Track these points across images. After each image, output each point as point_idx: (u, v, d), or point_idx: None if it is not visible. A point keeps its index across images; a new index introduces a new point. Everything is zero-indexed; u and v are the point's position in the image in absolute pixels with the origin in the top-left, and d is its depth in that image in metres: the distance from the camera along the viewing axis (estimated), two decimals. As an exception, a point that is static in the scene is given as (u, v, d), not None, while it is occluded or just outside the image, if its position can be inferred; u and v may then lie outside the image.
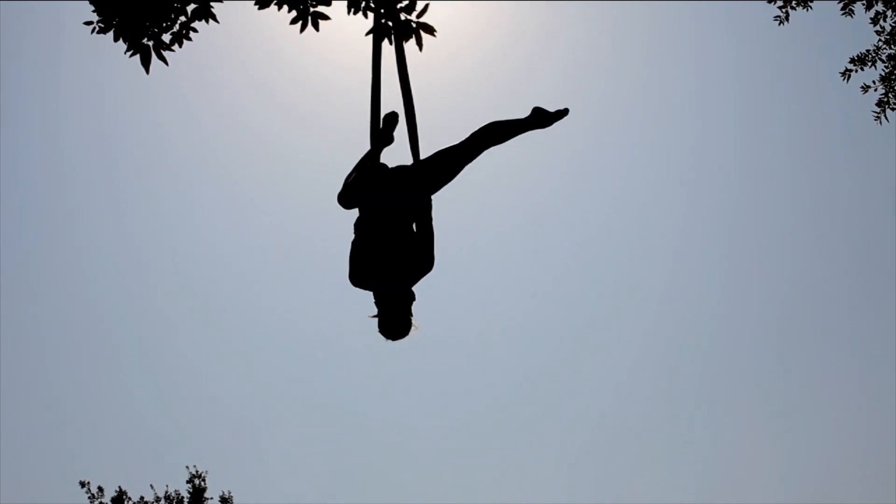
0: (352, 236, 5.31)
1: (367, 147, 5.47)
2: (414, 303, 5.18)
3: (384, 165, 5.45)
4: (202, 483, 18.82)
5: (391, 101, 5.60)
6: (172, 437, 29.18)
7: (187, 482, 18.76)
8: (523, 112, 5.52)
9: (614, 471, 29.48)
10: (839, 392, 31.10)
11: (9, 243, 31.67)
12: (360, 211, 5.36)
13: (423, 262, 5.21)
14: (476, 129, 5.42)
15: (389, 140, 5.53)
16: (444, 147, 5.44)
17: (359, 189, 5.34)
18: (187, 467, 18.99)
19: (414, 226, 5.30)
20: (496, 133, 5.44)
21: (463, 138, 5.42)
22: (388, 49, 5.76)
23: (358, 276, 5.17)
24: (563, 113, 5.52)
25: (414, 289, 5.20)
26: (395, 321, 5.12)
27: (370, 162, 5.45)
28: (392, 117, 5.54)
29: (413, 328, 5.15)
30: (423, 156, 5.42)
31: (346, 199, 5.40)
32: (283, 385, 32.81)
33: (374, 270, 5.14)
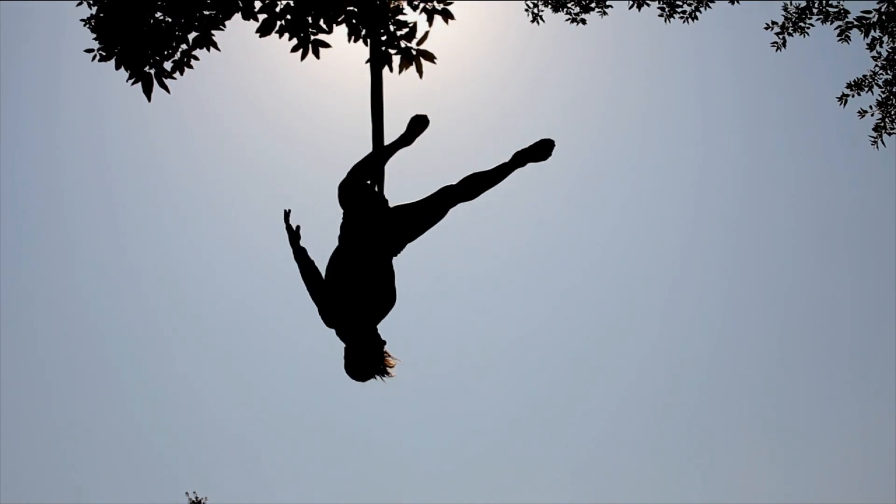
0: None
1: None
2: (385, 345, 5.07)
3: (384, 198, 5.41)
4: (201, 509, 18.77)
5: (394, 126, 5.64)
6: (171, 461, 29.11)
7: (187, 507, 18.72)
8: (517, 145, 5.47)
9: (617, 480, 29.43)
10: (840, 393, 31.14)
11: (6, 250, 31.67)
12: (345, 218, 5.32)
13: (387, 297, 5.14)
14: (456, 181, 5.29)
15: (410, 142, 5.54)
16: (425, 198, 5.30)
17: (360, 194, 5.33)
18: (187, 493, 18.95)
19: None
20: (478, 184, 5.31)
21: (449, 184, 5.29)
22: (388, 76, 5.81)
23: (329, 315, 5.09)
24: (542, 145, 5.38)
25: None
26: (361, 361, 5.03)
27: (384, 157, 5.43)
28: (422, 120, 5.54)
29: (388, 368, 5.04)
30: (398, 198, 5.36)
31: (347, 192, 5.32)
32: (284, 408, 32.73)
33: (343, 306, 5.07)
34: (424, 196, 5.29)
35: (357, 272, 5.11)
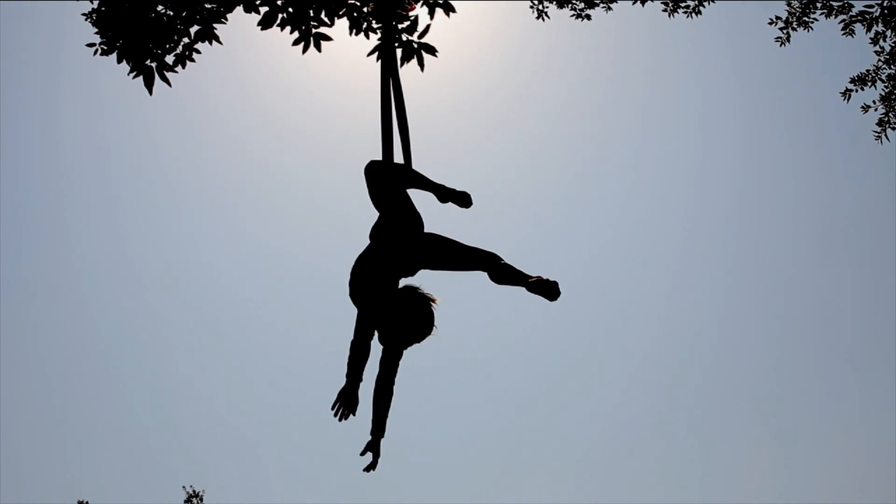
0: (352, 244, 5.32)
1: (365, 163, 5.48)
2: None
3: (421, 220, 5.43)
4: (200, 503, 18.77)
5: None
6: (169, 456, 29.12)
7: (185, 502, 18.72)
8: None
9: (617, 480, 29.42)
10: (840, 392, 31.13)
11: (7, 247, 31.68)
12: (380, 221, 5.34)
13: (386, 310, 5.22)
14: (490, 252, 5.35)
15: (441, 198, 5.48)
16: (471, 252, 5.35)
17: (403, 201, 5.32)
18: (184, 487, 18.96)
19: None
20: (511, 275, 5.33)
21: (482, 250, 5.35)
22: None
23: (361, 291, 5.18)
24: (549, 286, 5.35)
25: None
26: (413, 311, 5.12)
27: (415, 182, 5.41)
28: (466, 199, 5.48)
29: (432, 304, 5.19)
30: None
31: (378, 173, 5.31)
32: (283, 403, 32.74)
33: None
34: (469, 245, 5.33)
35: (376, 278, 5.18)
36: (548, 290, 5.27)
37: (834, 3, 9.22)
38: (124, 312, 33.26)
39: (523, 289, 5.25)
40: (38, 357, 32.08)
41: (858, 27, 9.11)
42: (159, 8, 5.99)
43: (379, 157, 5.46)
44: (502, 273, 5.32)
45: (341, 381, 5.15)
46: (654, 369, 31.95)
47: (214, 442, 30.63)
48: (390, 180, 5.32)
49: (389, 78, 5.52)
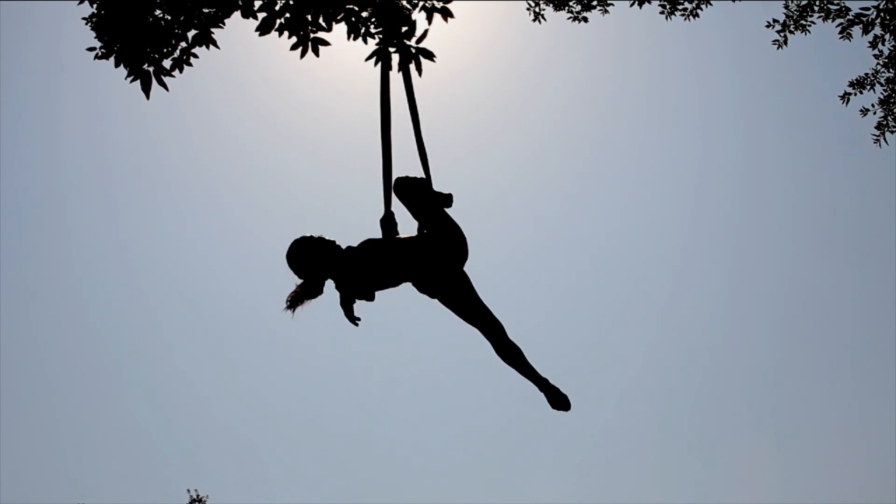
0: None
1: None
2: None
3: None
4: (202, 506, 18.78)
5: (398, 125, 5.68)
6: (173, 460, 29.12)
7: (188, 505, 18.73)
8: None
9: (617, 480, 29.43)
10: (840, 392, 31.14)
11: (7, 248, 31.68)
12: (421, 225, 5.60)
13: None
14: (511, 341, 5.56)
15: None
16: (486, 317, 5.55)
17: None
18: (188, 490, 18.97)
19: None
20: (518, 359, 5.56)
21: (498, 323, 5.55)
22: (393, 74, 5.84)
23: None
24: (560, 398, 5.59)
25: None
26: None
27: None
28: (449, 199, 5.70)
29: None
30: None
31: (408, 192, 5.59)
32: (287, 407, 32.74)
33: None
34: (483, 303, 5.53)
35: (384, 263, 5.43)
36: (559, 401, 5.54)
37: (831, 7, 9.23)
38: (125, 313, 33.27)
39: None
40: (39, 358, 32.08)
41: (856, 31, 9.12)
42: (157, 12, 5.99)
43: (378, 159, 5.61)
44: (510, 357, 5.53)
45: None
46: (654, 369, 31.96)
47: (219, 445, 30.65)
48: (418, 199, 5.54)
49: (406, 92, 5.70)
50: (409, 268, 5.47)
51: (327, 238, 5.52)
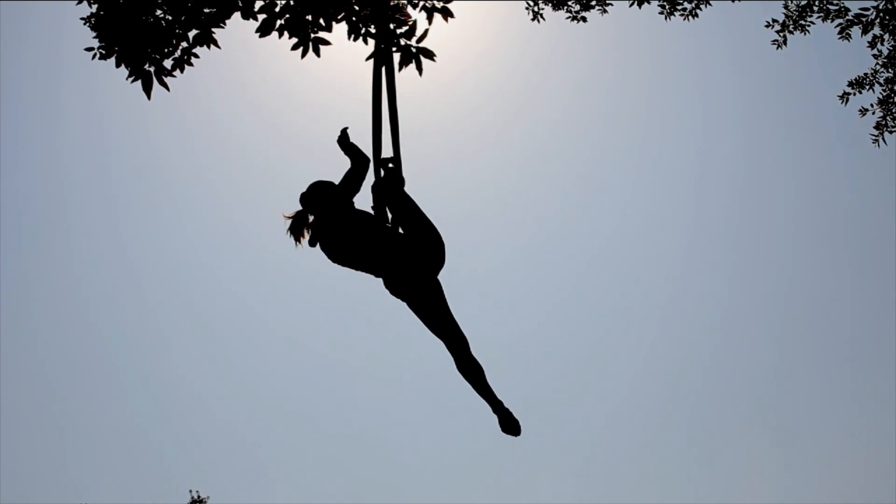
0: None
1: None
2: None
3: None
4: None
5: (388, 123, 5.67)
6: (174, 460, 29.12)
7: (188, 505, 18.74)
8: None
9: (616, 480, 29.43)
10: (840, 393, 31.15)
11: (7, 249, 31.68)
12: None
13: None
14: (473, 359, 5.59)
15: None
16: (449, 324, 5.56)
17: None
18: (190, 491, 18.98)
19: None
20: (478, 377, 5.58)
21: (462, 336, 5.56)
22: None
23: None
24: (514, 429, 5.69)
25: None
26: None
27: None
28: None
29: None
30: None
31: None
32: (288, 407, 32.73)
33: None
34: (451, 315, 5.54)
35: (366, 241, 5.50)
36: (510, 425, 5.67)
37: (831, 7, 9.24)
38: (125, 313, 33.26)
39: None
40: (39, 358, 32.08)
41: (855, 31, 9.13)
42: (158, 12, 6.00)
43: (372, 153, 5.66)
44: (470, 373, 5.55)
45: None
46: (655, 369, 31.96)
47: (219, 446, 30.64)
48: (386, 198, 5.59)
49: (381, 80, 5.67)
50: (383, 263, 5.42)
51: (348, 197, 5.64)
